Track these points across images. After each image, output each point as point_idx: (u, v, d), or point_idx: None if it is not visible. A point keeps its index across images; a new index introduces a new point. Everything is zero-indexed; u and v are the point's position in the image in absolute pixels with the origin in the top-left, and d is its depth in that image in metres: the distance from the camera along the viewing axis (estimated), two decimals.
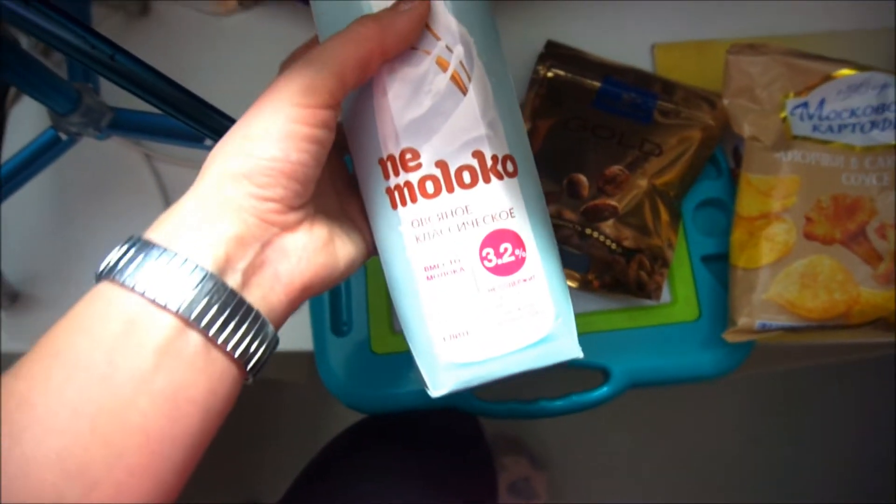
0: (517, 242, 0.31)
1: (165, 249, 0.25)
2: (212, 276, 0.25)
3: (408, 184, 0.30)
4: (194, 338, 0.24)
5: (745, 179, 0.44)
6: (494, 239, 0.31)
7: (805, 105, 0.43)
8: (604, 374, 0.45)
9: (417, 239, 0.31)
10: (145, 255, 0.24)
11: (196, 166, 0.27)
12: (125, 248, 0.25)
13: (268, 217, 0.27)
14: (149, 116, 0.47)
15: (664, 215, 0.46)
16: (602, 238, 0.44)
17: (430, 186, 0.30)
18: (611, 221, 0.45)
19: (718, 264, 0.46)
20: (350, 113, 0.31)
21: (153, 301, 0.24)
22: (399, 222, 0.31)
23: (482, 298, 0.31)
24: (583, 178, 0.45)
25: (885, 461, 0.99)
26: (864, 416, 1.05)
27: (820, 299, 0.41)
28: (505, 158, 0.31)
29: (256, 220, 0.26)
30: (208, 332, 0.24)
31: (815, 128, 0.43)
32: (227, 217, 0.26)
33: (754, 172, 0.43)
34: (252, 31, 0.55)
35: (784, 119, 0.43)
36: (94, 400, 0.23)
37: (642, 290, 0.45)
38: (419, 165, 0.30)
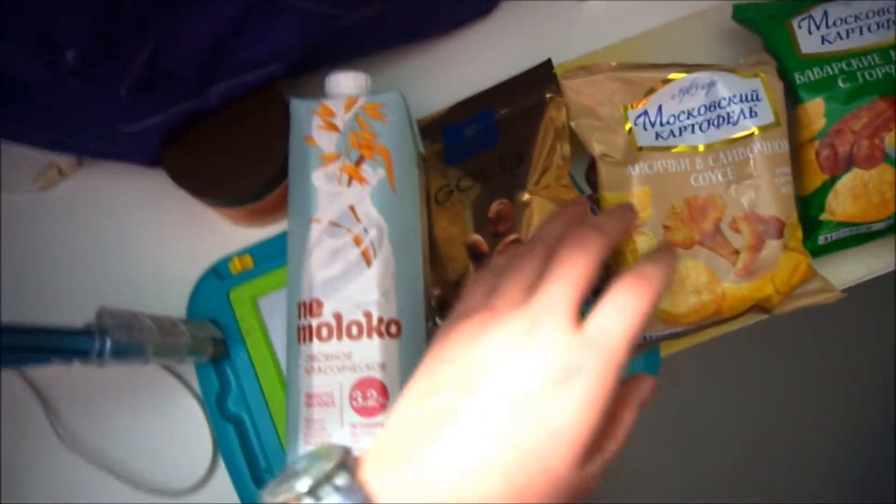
0: (382, 392, 0.37)
1: None
2: None
3: (310, 327, 0.39)
4: None
5: (603, 199, 0.44)
6: (364, 385, 0.37)
7: (646, 113, 0.44)
8: None
9: (307, 371, 0.38)
10: None
11: None
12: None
13: None
14: None
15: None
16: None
17: (324, 332, 0.38)
18: None
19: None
20: (290, 265, 0.41)
21: None
22: (299, 355, 0.39)
23: (343, 431, 0.37)
24: (476, 237, 0.43)
25: None
26: None
27: (689, 303, 0.41)
28: (391, 322, 0.38)
29: None
30: None
31: (658, 135, 0.43)
32: None
33: (609, 190, 0.43)
34: (81, 197, 0.51)
35: (630, 131, 0.44)
36: None
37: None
38: (321, 314, 0.38)
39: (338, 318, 0.38)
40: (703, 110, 0.44)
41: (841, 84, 0.44)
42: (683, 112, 0.44)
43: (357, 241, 0.39)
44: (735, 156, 0.43)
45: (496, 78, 0.50)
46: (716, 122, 0.43)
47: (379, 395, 0.37)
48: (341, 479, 0.24)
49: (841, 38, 0.45)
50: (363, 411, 0.37)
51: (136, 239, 0.50)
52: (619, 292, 0.27)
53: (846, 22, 0.45)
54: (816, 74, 0.44)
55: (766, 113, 0.43)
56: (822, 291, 0.43)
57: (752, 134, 0.43)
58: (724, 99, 0.43)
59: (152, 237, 0.50)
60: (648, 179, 0.43)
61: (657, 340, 0.43)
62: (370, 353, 0.38)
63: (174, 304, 0.47)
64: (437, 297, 0.45)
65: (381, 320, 0.38)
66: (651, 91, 0.44)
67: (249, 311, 0.46)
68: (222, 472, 0.46)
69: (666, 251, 0.30)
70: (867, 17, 0.45)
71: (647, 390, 0.30)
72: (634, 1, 0.54)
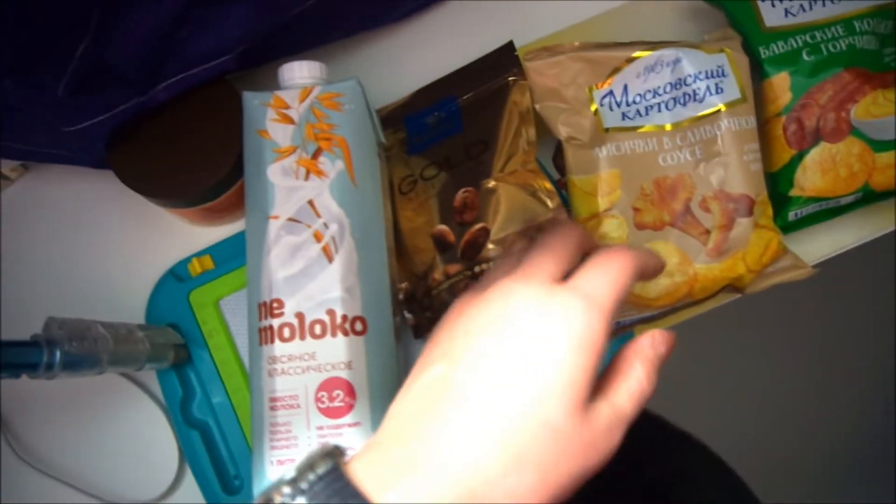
0: (349, 392, 0.36)
1: None
2: None
3: (271, 327, 0.37)
4: None
5: (571, 183, 0.42)
6: (330, 385, 0.36)
7: (611, 93, 0.43)
8: None
9: (270, 373, 0.37)
10: None
11: None
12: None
13: None
14: None
15: (538, 184, 0.41)
16: (495, 263, 0.40)
17: (287, 332, 0.37)
18: (492, 242, 0.41)
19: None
20: (249, 265, 0.39)
21: None
22: (261, 357, 0.37)
23: (310, 434, 0.36)
24: (442, 227, 0.42)
25: None
26: None
27: (661, 286, 0.40)
28: (355, 319, 0.37)
29: None
30: None
31: (624, 115, 0.42)
32: None
33: (577, 174, 0.42)
34: (28, 202, 0.49)
35: (596, 112, 0.43)
36: None
37: None
38: (282, 314, 0.37)
39: (300, 317, 0.37)
40: (668, 88, 0.43)
41: (805, 57, 0.43)
42: (649, 91, 0.43)
43: (317, 237, 0.38)
44: (703, 134, 0.42)
45: (459, 63, 0.48)
46: (682, 100, 0.43)
47: (346, 396, 0.36)
48: (322, 467, 0.23)
49: (804, 9, 0.44)
50: (330, 413, 0.36)
51: (88, 244, 0.48)
52: (600, 260, 0.27)
53: None
54: (781, 48, 0.44)
55: (733, 89, 0.42)
56: (794, 268, 0.42)
57: (719, 111, 0.42)
58: (690, 76, 0.42)
59: (105, 241, 0.48)
60: (616, 161, 0.42)
61: (630, 325, 0.42)
62: (335, 352, 0.36)
63: (132, 309, 0.46)
64: (405, 290, 0.43)
65: (345, 318, 0.37)
66: (616, 70, 0.43)
67: (211, 314, 0.45)
68: (190, 481, 0.44)
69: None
70: None
71: (660, 343, 0.28)
72: None
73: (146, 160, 0.43)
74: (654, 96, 0.43)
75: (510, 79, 0.44)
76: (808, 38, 0.43)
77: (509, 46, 0.46)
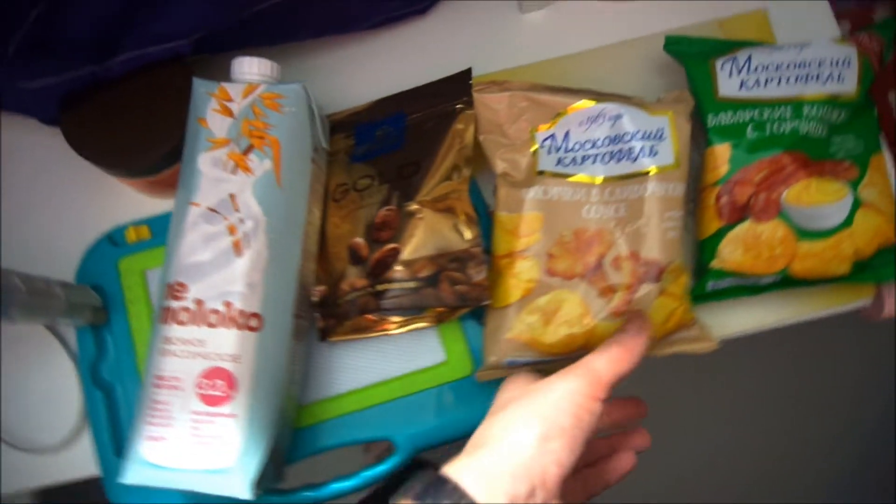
0: (231, 384, 0.37)
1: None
2: None
3: (170, 308, 0.39)
4: None
5: (497, 218, 0.43)
6: (213, 374, 0.38)
7: (553, 137, 0.43)
8: (391, 445, 0.45)
9: (161, 352, 0.38)
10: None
11: None
12: (425, 478, 0.31)
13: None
14: None
15: (461, 215, 0.42)
16: (397, 284, 0.42)
17: (184, 316, 0.38)
18: (400, 264, 0.42)
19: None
20: (167, 245, 0.41)
21: None
22: (158, 334, 0.39)
23: (186, 417, 0.37)
24: (359, 241, 0.43)
25: None
26: None
27: (558, 335, 0.41)
28: (252, 315, 0.38)
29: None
30: None
31: (559, 161, 0.43)
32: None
33: (503, 210, 0.43)
34: None
35: (535, 153, 0.43)
36: None
37: (469, 300, 0.41)
38: (184, 297, 0.38)
39: (199, 303, 0.38)
40: (606, 142, 0.43)
41: (749, 133, 0.43)
42: (588, 141, 0.43)
43: (231, 231, 0.39)
44: (629, 193, 0.42)
45: (425, 80, 0.49)
46: (617, 156, 0.43)
47: (227, 387, 0.37)
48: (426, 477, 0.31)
49: (759, 85, 0.44)
50: (209, 400, 0.37)
51: (33, 197, 0.50)
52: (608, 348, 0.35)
53: (767, 69, 0.44)
54: (728, 119, 0.44)
55: (667, 154, 0.43)
56: (698, 340, 0.43)
57: (649, 173, 0.42)
58: (628, 133, 0.43)
59: (51, 197, 0.50)
60: (542, 205, 0.43)
61: (524, 366, 0.43)
62: (225, 343, 0.38)
63: (64, 266, 0.47)
64: (320, 294, 0.45)
65: (241, 312, 0.38)
66: (559, 115, 0.44)
67: (136, 282, 0.46)
68: (88, 438, 0.46)
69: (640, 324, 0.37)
70: (788, 68, 0.44)
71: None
72: (574, 19, 0.53)
73: (95, 127, 0.44)
74: (592, 147, 0.43)
75: (458, 106, 0.45)
76: (755, 114, 0.44)
77: (466, 74, 0.46)
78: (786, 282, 0.44)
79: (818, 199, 0.42)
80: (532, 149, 0.44)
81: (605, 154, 0.43)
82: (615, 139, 0.43)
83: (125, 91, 0.44)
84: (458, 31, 0.53)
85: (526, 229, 0.42)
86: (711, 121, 0.44)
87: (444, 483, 0.30)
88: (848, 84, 0.44)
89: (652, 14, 0.53)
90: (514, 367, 0.42)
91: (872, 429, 1.20)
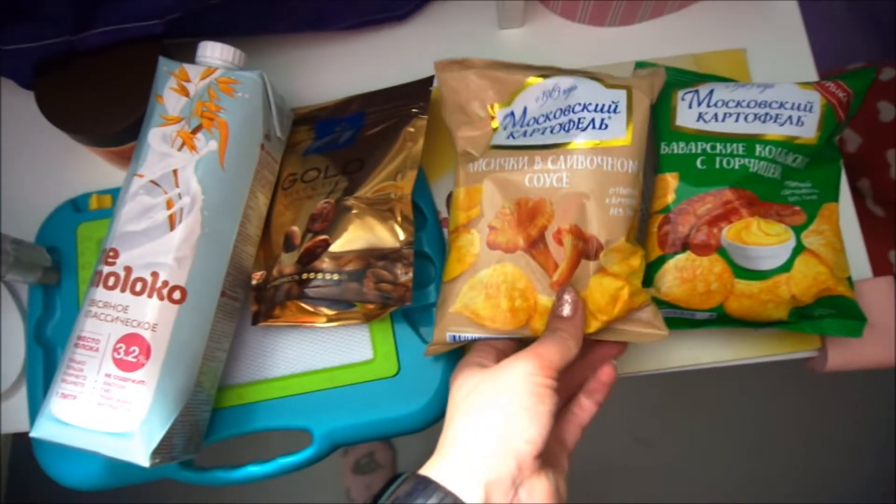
0: (146, 351, 0.38)
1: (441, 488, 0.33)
2: None
3: (101, 272, 0.40)
4: None
5: (455, 195, 0.43)
6: (130, 340, 0.39)
7: (512, 114, 0.43)
8: (309, 436, 0.45)
9: (86, 314, 0.39)
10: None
11: None
12: (409, 482, 0.33)
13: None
14: None
15: (398, 216, 0.42)
16: (322, 275, 0.42)
17: (111, 281, 0.39)
18: (328, 256, 0.42)
19: (426, 314, 0.46)
20: (113, 213, 0.42)
21: None
22: (88, 297, 0.40)
23: (98, 378, 0.38)
24: (294, 229, 0.44)
25: None
26: None
27: (501, 309, 0.40)
28: (175, 287, 0.39)
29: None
30: None
31: (511, 135, 0.42)
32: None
33: (460, 186, 0.43)
34: None
35: (495, 130, 0.43)
36: None
37: (391, 299, 0.42)
38: (113, 263, 0.40)
39: (127, 270, 0.39)
40: (558, 114, 0.42)
41: (698, 165, 0.43)
42: (543, 115, 0.42)
43: (168, 205, 0.40)
44: (574, 163, 0.40)
45: (396, 83, 0.50)
46: (566, 127, 0.41)
47: (141, 354, 0.38)
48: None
49: (717, 119, 0.44)
50: (122, 365, 0.38)
51: (5, 155, 0.52)
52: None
53: (727, 105, 0.44)
54: (680, 149, 0.44)
55: (619, 128, 0.41)
56: (648, 326, 0.40)
57: (595, 146, 0.40)
58: (580, 105, 0.41)
59: (22, 157, 0.52)
60: (485, 177, 0.42)
61: (465, 342, 0.41)
62: (145, 311, 0.39)
63: (27, 226, 0.49)
64: (259, 278, 0.45)
65: (165, 283, 0.39)
66: (518, 91, 0.43)
67: (91, 249, 0.48)
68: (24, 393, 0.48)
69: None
70: (749, 105, 0.44)
71: None
72: (552, 39, 0.53)
73: (67, 95, 0.46)
74: (545, 120, 0.42)
75: (413, 110, 0.45)
76: (707, 147, 0.43)
77: (428, 81, 0.47)
78: (722, 319, 0.43)
79: (759, 239, 0.41)
80: (493, 125, 0.44)
81: (555, 126, 0.42)
82: (566, 110, 0.42)
83: (99, 63, 0.46)
84: (436, 40, 0.54)
85: (468, 202, 0.42)
86: (664, 149, 0.44)
87: (427, 483, 0.32)
88: (807, 129, 0.43)
89: (631, 42, 0.53)
90: (457, 343, 0.41)
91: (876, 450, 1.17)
